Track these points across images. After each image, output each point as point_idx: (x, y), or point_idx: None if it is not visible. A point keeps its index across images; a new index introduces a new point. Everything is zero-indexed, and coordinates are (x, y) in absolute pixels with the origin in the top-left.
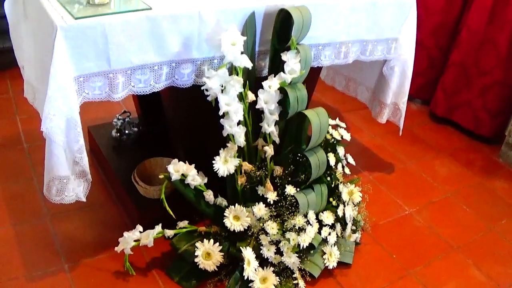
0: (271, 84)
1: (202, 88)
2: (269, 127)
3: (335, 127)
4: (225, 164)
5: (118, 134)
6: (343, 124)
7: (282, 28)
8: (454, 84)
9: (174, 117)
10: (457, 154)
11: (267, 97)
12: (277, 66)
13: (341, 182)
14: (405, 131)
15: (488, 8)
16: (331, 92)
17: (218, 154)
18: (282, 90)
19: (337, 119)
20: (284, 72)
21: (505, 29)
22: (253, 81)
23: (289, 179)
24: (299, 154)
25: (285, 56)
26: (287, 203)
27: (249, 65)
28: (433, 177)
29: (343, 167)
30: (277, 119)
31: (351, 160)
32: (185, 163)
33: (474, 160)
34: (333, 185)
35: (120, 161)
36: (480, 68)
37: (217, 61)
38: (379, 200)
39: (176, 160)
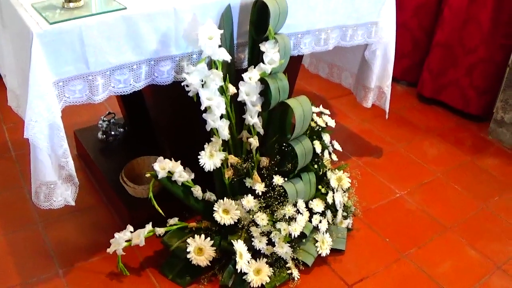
0: (252, 76)
1: (182, 84)
2: (252, 118)
3: (319, 114)
4: (210, 158)
5: (104, 136)
6: (327, 111)
7: (259, 18)
8: (440, 64)
9: (158, 115)
10: (446, 134)
11: (248, 89)
12: (256, 57)
13: (329, 169)
14: (393, 114)
15: None
16: (316, 80)
17: (203, 149)
18: (263, 81)
19: (321, 106)
20: (263, 62)
21: (487, 6)
22: (233, 73)
23: (276, 169)
24: (284, 144)
25: (263, 47)
26: (276, 193)
27: (228, 58)
28: (422, 159)
29: (330, 154)
30: (260, 110)
31: (337, 146)
32: (171, 160)
33: (463, 139)
34: (321, 173)
35: (108, 162)
36: (465, 47)
37: (195, 56)
38: (369, 184)
39: (161, 157)
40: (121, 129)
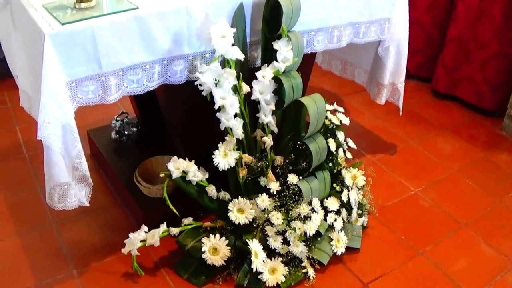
0: (265, 74)
1: (195, 83)
2: (266, 117)
3: (333, 112)
4: (225, 157)
5: (118, 135)
6: (341, 109)
7: (272, 16)
8: (454, 60)
9: (171, 115)
10: (460, 130)
11: (262, 88)
12: (269, 56)
13: (343, 167)
14: (406, 111)
15: None
16: (329, 77)
17: (217, 148)
18: (276, 79)
19: (335, 103)
20: (277, 61)
21: (499, 1)
22: (247, 72)
23: (291, 168)
24: (298, 142)
25: (276, 45)
26: (290, 192)
27: (241, 56)
28: (436, 155)
29: (344, 151)
30: (274, 108)
31: (352, 144)
32: (185, 159)
33: (477, 134)
34: (335, 171)
35: (122, 162)
36: (478, 42)
37: (208, 55)
38: (383, 182)
39: (175, 157)
40: (134, 129)
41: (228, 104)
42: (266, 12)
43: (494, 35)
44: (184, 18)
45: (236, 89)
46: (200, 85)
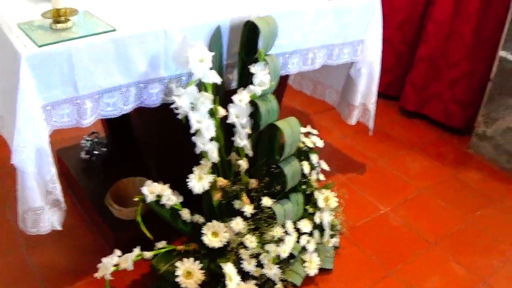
0: (242, 98)
1: (171, 106)
2: (242, 141)
3: (307, 134)
4: (199, 181)
5: (88, 155)
6: (314, 131)
7: (249, 40)
8: (423, 79)
9: (145, 136)
10: (428, 149)
11: (238, 111)
12: (246, 78)
13: (316, 189)
14: (375, 129)
15: (452, 0)
16: (298, 95)
17: (191, 170)
18: (252, 102)
19: (308, 126)
20: (253, 84)
21: (470, 20)
22: (222, 95)
23: (265, 191)
24: (273, 165)
25: (253, 69)
26: (265, 215)
27: (219, 80)
28: (405, 174)
29: (317, 173)
30: (249, 132)
31: (325, 166)
32: (158, 181)
33: (445, 153)
34: (308, 193)
35: (92, 183)
36: (448, 61)
37: (185, 78)
38: (354, 201)
39: (149, 181)
40: (104, 149)
41: (204, 128)
42: (244, 35)
43: (464, 54)
44: (162, 41)
45: (212, 113)
46: (176, 108)
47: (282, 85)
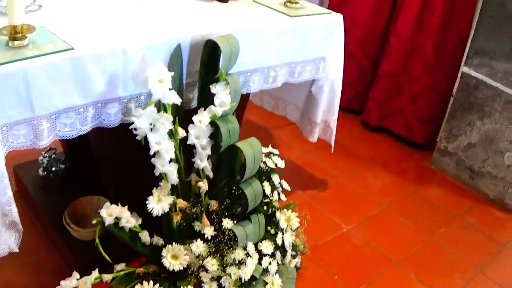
0: (202, 119)
1: (130, 127)
2: (202, 162)
3: (268, 154)
4: (159, 203)
5: (45, 172)
6: (276, 151)
7: (210, 58)
8: (385, 94)
9: (99, 152)
10: (390, 164)
11: (198, 132)
12: (206, 98)
13: (277, 209)
14: (336, 145)
15: (415, 15)
16: (259, 109)
17: (151, 189)
18: (213, 123)
19: (270, 146)
20: (214, 104)
21: (432, 35)
22: (182, 115)
23: (226, 213)
24: (234, 187)
25: (214, 89)
26: (225, 237)
27: (178, 101)
28: (367, 190)
29: (279, 194)
30: (210, 153)
31: (286, 186)
32: (116, 200)
33: (407, 168)
34: (269, 213)
35: (50, 201)
36: (410, 75)
37: (144, 98)
38: (316, 220)
39: (108, 203)
40: (62, 165)
41: (163, 149)
42: (204, 54)
43: (425, 69)
44: (120, 60)
45: (171, 133)
46: (135, 129)
47: (243, 103)
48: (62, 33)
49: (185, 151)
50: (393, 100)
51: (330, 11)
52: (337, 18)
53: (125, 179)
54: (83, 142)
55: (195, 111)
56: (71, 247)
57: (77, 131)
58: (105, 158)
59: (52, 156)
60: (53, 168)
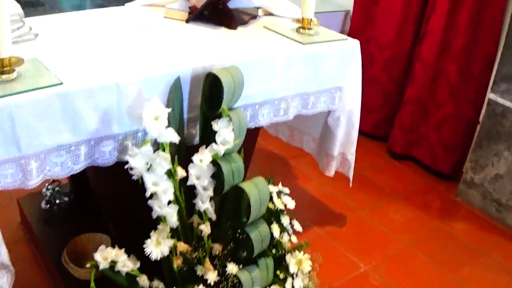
0: (203, 158)
1: (125, 167)
2: (204, 204)
3: (279, 193)
4: (157, 246)
5: (48, 205)
6: (286, 190)
7: (212, 92)
8: (411, 120)
9: (98, 188)
10: (413, 197)
11: (199, 172)
12: (208, 135)
13: (288, 252)
14: (357, 175)
15: (439, 38)
16: (275, 137)
17: (152, 227)
18: (215, 162)
19: (280, 184)
20: (216, 143)
21: (457, 59)
22: (183, 151)
23: (229, 258)
24: (239, 230)
25: (216, 125)
26: (230, 283)
27: (176, 139)
28: (387, 226)
29: (289, 235)
30: (212, 195)
31: (298, 226)
32: (116, 237)
33: (431, 201)
34: (278, 256)
35: (51, 236)
36: (436, 101)
37: (141, 134)
38: (331, 258)
39: (103, 246)
40: (66, 198)
41: (161, 191)
42: (205, 87)
43: (450, 95)
44: (114, 95)
45: (170, 173)
46: (131, 168)
47: (252, 138)
48: (54, 65)
49: (187, 190)
50: (419, 127)
51: (346, 37)
52: (354, 44)
53: (125, 216)
54: (86, 175)
55: (197, 147)
56: (71, 286)
57: (69, 170)
58: (104, 194)
59: (56, 189)
60: (57, 201)
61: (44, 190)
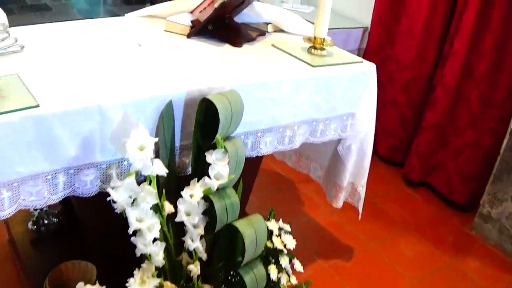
0: (193, 193)
1: (108, 199)
2: (194, 242)
3: (279, 230)
4: (142, 285)
5: (35, 226)
6: (287, 227)
7: (207, 119)
8: (429, 147)
9: (85, 216)
10: (426, 229)
11: (189, 208)
12: (201, 166)
13: None
14: (368, 203)
15: (461, 63)
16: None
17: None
18: (207, 198)
19: (281, 220)
20: (209, 176)
21: (480, 85)
22: (174, 182)
23: None
24: (232, 272)
25: (210, 157)
26: None
27: (163, 172)
28: (397, 261)
29: (289, 275)
30: (203, 233)
31: (299, 267)
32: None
33: (444, 234)
34: None
35: (36, 258)
36: (455, 128)
37: (127, 163)
38: None
39: (81, 283)
40: (55, 219)
41: (145, 228)
42: (200, 114)
43: (470, 122)
44: (96, 119)
45: (157, 208)
46: (113, 202)
47: (253, 167)
48: (36, 83)
49: (176, 227)
50: (436, 153)
51: (361, 59)
52: (370, 68)
53: (110, 246)
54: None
55: (190, 178)
56: None
57: (45, 200)
58: (89, 222)
59: (45, 209)
60: (45, 221)
61: (32, 209)
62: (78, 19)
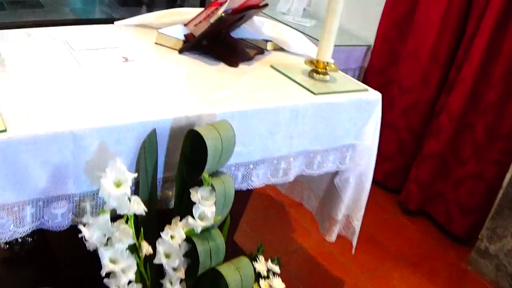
0: (174, 234)
1: (79, 235)
2: (173, 286)
3: (268, 272)
4: None
5: (8, 245)
6: (277, 269)
7: (193, 152)
8: (429, 176)
9: (57, 241)
10: (421, 262)
11: (169, 250)
12: (185, 203)
13: None
14: (362, 231)
15: (469, 91)
16: None
17: None
18: (189, 239)
19: (269, 261)
20: (192, 216)
21: (487, 114)
22: (154, 219)
23: None
24: None
25: (195, 195)
26: None
27: (141, 211)
28: None
29: None
30: (183, 277)
31: None
32: None
33: (440, 268)
34: None
35: (8, 281)
36: (457, 157)
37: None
38: None
39: None
40: (30, 238)
41: (119, 270)
42: (186, 146)
43: (473, 152)
44: (69, 147)
45: (134, 248)
46: (85, 239)
47: (242, 199)
48: (4, 103)
49: (155, 264)
50: (437, 182)
51: (366, 87)
52: (375, 97)
53: (84, 274)
54: None
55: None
56: None
57: (10, 233)
58: (61, 248)
59: None
60: (19, 240)
61: None
62: (71, 18)
